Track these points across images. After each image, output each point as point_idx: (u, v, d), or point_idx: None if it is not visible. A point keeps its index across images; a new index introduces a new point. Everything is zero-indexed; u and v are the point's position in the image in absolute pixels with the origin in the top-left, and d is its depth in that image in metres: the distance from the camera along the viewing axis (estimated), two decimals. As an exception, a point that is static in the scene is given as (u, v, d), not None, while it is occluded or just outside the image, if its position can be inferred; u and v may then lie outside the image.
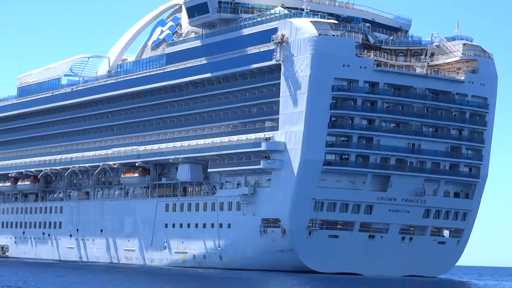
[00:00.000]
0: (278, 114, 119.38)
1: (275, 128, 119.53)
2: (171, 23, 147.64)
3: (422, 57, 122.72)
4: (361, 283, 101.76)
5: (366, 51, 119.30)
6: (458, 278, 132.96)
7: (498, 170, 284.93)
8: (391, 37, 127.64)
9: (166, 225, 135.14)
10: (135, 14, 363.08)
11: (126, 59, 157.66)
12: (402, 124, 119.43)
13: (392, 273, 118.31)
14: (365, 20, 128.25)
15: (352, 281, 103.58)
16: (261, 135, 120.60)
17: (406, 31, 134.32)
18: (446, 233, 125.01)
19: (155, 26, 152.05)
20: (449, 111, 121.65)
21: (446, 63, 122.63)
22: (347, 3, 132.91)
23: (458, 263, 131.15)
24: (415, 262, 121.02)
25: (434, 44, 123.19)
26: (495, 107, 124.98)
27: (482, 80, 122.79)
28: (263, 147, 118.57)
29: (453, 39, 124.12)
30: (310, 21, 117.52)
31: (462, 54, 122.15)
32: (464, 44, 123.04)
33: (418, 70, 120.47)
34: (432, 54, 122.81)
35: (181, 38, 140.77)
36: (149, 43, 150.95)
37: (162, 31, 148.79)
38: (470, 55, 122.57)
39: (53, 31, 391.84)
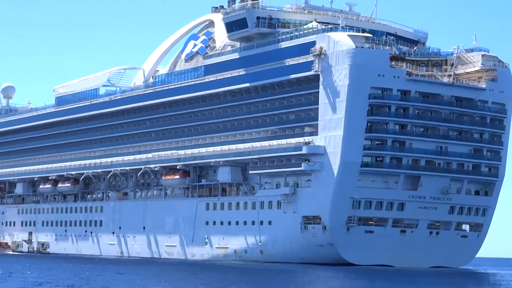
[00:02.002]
0: (316, 120, 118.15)
1: (314, 133, 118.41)
2: (203, 37, 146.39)
3: (445, 67, 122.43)
4: (394, 274, 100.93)
5: (393, 62, 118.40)
6: (481, 269, 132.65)
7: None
8: (415, 48, 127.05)
9: (207, 223, 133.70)
10: (166, 28, 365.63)
11: (158, 71, 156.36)
12: (431, 129, 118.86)
13: (420, 264, 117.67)
14: (388, 34, 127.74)
15: (386, 272, 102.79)
16: (300, 139, 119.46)
17: (424, 43, 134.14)
18: (466, 227, 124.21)
19: (188, 40, 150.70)
20: (472, 117, 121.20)
21: (467, 72, 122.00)
22: (370, 17, 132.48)
23: (478, 255, 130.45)
24: (441, 254, 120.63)
25: (454, 55, 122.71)
26: (511, 112, 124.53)
27: (501, 88, 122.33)
28: (304, 150, 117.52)
29: (472, 50, 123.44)
30: (347, 35, 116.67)
31: (482, 64, 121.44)
32: (483, 55, 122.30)
33: (445, 79, 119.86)
34: (453, 64, 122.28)
35: (216, 51, 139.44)
36: (183, 56, 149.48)
37: (195, 45, 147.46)
38: (490, 65, 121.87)
39: (86, 45, 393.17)
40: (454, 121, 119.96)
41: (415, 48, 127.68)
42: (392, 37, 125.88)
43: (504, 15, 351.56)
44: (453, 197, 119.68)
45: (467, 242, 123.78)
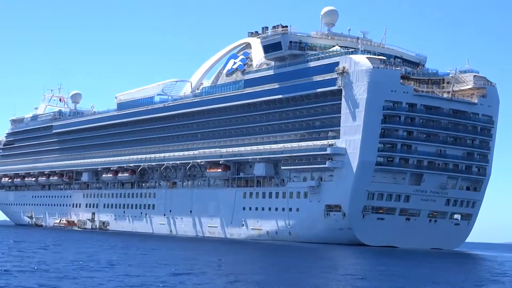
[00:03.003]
0: (338, 126, 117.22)
1: (336, 137, 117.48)
2: (242, 56, 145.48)
3: (443, 85, 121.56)
4: (400, 253, 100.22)
5: (401, 80, 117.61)
6: (470, 251, 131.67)
7: (498, 170, 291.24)
8: (418, 69, 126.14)
9: (244, 208, 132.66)
10: (209, 47, 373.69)
11: (203, 83, 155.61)
12: (432, 135, 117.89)
13: (421, 246, 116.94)
14: (396, 57, 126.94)
15: (394, 252, 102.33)
16: (324, 142, 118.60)
17: (423, 65, 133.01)
18: (458, 216, 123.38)
19: (228, 58, 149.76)
20: (466, 126, 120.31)
21: (461, 89, 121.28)
22: (380, 43, 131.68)
23: (467, 240, 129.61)
24: (438, 238, 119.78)
25: (450, 75, 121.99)
26: (497, 123, 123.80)
27: (489, 103, 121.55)
28: (329, 151, 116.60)
29: (465, 71, 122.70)
30: (366, 57, 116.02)
31: (473, 83, 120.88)
32: (474, 76, 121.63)
33: (445, 95, 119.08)
34: (448, 83, 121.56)
35: (252, 68, 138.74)
36: (224, 71, 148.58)
37: (235, 62, 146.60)
38: (480, 84, 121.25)
39: (141, 60, 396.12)
40: (451, 129, 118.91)
41: (418, 69, 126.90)
42: (399, 59, 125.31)
43: (491, 42, 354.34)
44: (449, 191, 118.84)
45: (459, 229, 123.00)
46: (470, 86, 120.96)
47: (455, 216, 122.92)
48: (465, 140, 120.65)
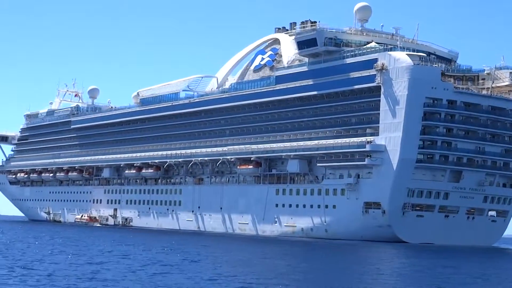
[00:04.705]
0: (376, 123, 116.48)
1: (374, 134, 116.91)
2: (270, 52, 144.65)
3: (479, 81, 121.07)
4: (440, 250, 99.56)
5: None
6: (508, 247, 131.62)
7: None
8: (452, 66, 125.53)
9: (276, 205, 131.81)
10: (234, 43, 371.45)
11: (228, 79, 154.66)
12: (472, 132, 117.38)
13: (460, 243, 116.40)
14: (430, 53, 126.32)
15: (434, 248, 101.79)
16: (362, 139, 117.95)
17: (455, 61, 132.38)
18: (492, 213, 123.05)
19: (256, 54, 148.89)
20: (504, 123, 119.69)
21: (498, 86, 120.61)
22: (413, 39, 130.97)
23: (504, 235, 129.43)
24: (476, 235, 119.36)
25: (485, 72, 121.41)
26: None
27: None
28: (368, 148, 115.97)
29: (501, 68, 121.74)
30: (406, 54, 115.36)
31: (510, 80, 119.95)
32: (510, 73, 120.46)
33: (484, 92, 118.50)
34: (483, 79, 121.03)
35: (281, 64, 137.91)
36: (252, 67, 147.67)
37: (263, 58, 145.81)
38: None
39: (156, 57, 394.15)
40: (489, 126, 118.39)
41: (452, 65, 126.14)
42: (433, 56, 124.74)
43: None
44: (487, 188, 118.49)
45: (496, 226, 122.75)
46: (507, 83, 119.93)
47: (490, 213, 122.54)
48: (503, 137, 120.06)
